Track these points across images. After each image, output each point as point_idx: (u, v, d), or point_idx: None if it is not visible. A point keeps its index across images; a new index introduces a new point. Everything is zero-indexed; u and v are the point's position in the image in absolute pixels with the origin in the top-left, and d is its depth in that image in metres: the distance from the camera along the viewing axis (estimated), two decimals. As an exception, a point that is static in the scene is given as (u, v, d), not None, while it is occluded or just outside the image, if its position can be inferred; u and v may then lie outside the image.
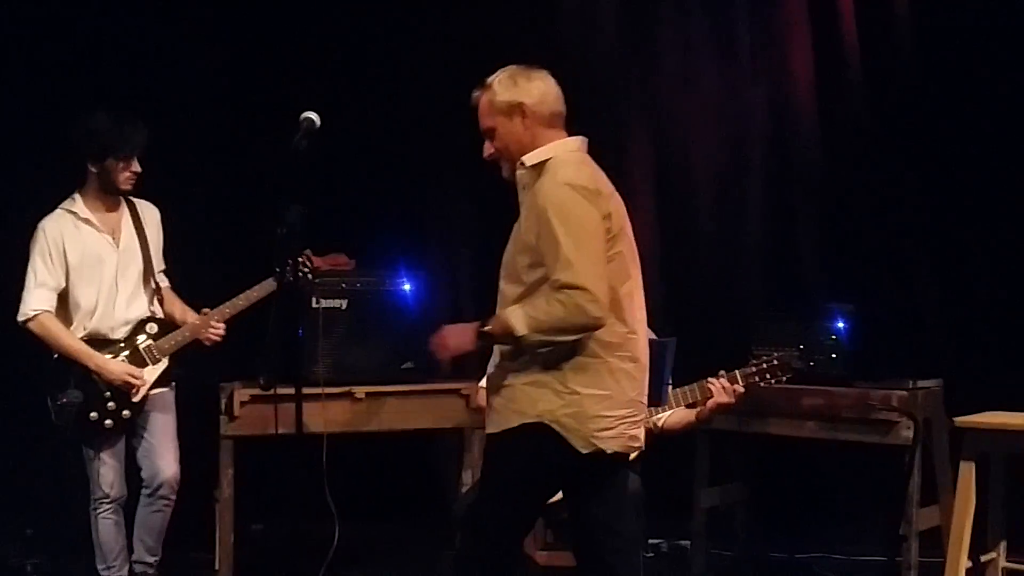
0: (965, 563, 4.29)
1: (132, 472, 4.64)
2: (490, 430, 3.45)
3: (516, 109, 3.38)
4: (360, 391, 4.93)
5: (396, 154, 5.95)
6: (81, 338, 4.47)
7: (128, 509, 4.64)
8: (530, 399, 3.33)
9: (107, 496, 4.52)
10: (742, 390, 4.25)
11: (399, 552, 5.60)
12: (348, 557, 5.07)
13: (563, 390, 3.32)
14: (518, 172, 3.41)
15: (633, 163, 5.95)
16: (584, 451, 3.32)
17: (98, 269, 4.50)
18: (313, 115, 3.57)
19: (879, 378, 4.68)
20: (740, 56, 5.79)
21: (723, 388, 4.26)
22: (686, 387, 4.33)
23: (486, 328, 3.34)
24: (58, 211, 4.53)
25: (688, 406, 4.35)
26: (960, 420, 4.30)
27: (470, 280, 6.17)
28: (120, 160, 4.46)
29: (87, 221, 4.52)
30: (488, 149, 3.47)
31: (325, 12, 5.99)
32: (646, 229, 5.91)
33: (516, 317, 3.26)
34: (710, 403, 4.28)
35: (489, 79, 3.45)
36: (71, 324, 4.49)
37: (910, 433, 4.45)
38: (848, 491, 5.43)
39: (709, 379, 4.30)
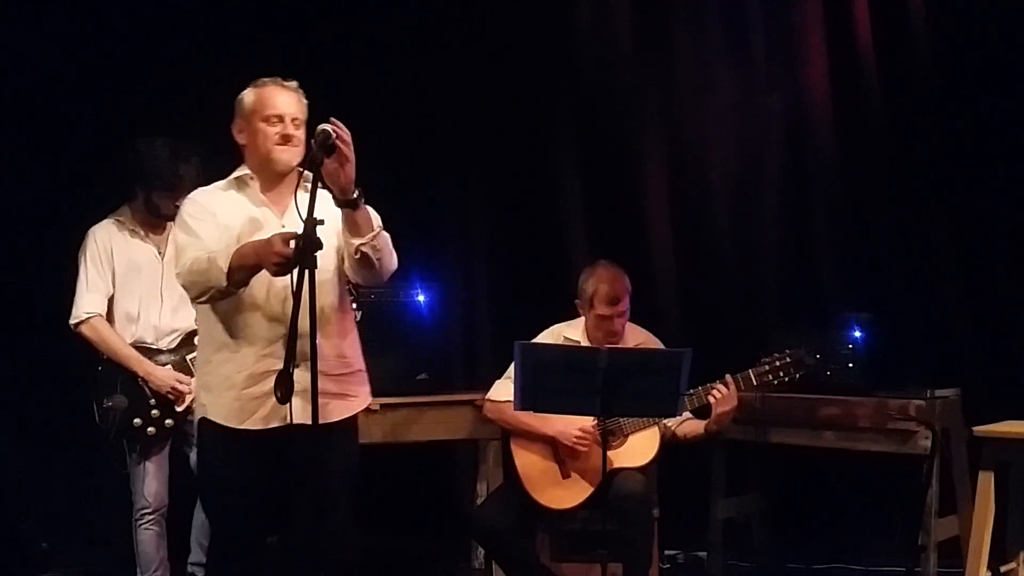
0: (984, 574, 4.27)
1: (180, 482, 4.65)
2: (332, 419, 3.45)
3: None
4: (374, 402, 4.88)
5: (409, 163, 5.94)
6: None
7: (184, 514, 4.67)
8: (360, 382, 3.66)
9: (148, 506, 4.54)
10: (736, 390, 4.31)
11: (413, 563, 5.58)
12: (361, 568, 5.03)
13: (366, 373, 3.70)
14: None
15: (649, 170, 5.93)
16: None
17: (140, 278, 4.56)
18: (329, 127, 3.56)
19: (897, 387, 4.66)
20: (755, 62, 5.76)
21: (723, 397, 4.29)
22: (691, 391, 4.33)
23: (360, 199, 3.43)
24: (107, 219, 4.61)
25: (693, 411, 4.39)
26: (979, 429, 4.28)
27: (484, 290, 6.16)
28: (166, 193, 4.49)
29: (133, 231, 4.59)
30: (294, 130, 3.61)
31: (340, 14, 6.01)
32: (661, 237, 5.92)
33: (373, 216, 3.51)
34: (713, 415, 4.30)
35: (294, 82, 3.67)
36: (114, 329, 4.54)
37: (928, 443, 4.44)
38: (866, 501, 5.39)
39: (715, 385, 4.30)
